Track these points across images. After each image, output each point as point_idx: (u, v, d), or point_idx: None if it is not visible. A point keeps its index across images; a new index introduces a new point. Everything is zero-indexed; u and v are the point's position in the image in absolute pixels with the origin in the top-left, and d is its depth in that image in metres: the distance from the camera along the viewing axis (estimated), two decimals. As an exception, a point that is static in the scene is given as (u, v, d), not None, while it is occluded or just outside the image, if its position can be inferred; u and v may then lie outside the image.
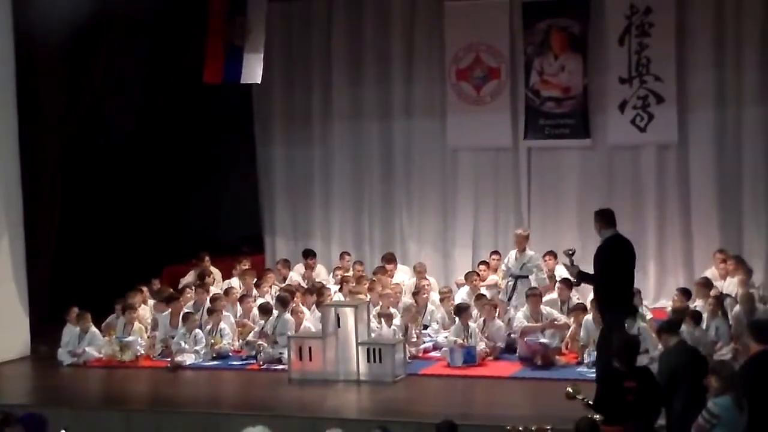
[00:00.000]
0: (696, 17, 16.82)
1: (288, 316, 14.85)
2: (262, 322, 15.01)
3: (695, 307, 14.25)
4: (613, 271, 11.48)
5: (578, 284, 12.60)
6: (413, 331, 14.69)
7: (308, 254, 17.78)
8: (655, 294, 17.00)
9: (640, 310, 14.14)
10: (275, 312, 14.96)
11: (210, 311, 15.35)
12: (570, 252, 12.06)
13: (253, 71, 17.15)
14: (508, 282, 15.70)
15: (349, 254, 17.77)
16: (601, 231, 11.73)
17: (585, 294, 16.18)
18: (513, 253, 15.72)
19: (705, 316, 13.73)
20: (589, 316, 14.26)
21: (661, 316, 14.35)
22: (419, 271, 16.76)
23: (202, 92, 18.29)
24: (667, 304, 15.85)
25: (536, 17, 17.40)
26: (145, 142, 19.63)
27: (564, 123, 17.44)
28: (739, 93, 16.72)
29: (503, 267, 15.95)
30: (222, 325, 15.16)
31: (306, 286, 16.64)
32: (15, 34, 15.59)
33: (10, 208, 15.57)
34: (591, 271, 11.80)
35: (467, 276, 16.16)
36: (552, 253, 16.12)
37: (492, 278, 16.25)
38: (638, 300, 14.52)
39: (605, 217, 11.77)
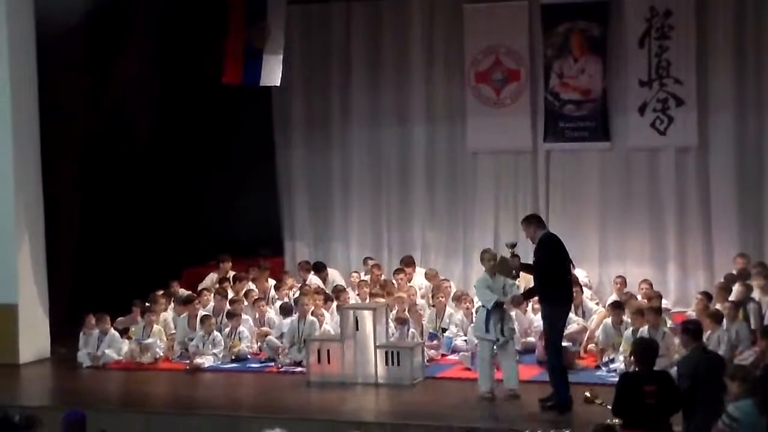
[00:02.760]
0: (716, 20, 16.74)
1: (312, 318, 14.91)
2: (285, 323, 15.04)
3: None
4: (553, 266, 12.16)
5: (517, 276, 12.72)
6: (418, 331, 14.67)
7: (319, 268, 17.72)
8: (676, 297, 16.91)
9: (664, 315, 14.14)
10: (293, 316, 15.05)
11: (229, 314, 15.37)
12: (512, 244, 12.70)
13: (273, 74, 17.18)
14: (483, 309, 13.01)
15: (372, 259, 17.72)
16: (536, 233, 12.34)
17: (603, 298, 16.20)
18: (485, 278, 13.01)
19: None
20: (608, 320, 14.23)
21: (680, 319, 14.30)
22: (431, 276, 16.74)
23: (221, 95, 18.32)
24: (687, 308, 15.78)
25: (556, 19, 17.36)
26: (165, 144, 19.67)
27: (584, 126, 17.38)
28: (759, 96, 16.64)
29: (484, 291, 12.98)
30: (241, 328, 15.19)
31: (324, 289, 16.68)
32: (36, 38, 15.65)
33: (31, 210, 15.65)
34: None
35: None
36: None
37: None
38: (659, 303, 14.53)
39: (537, 221, 12.61)
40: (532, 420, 11.79)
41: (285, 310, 15.42)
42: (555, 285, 12.18)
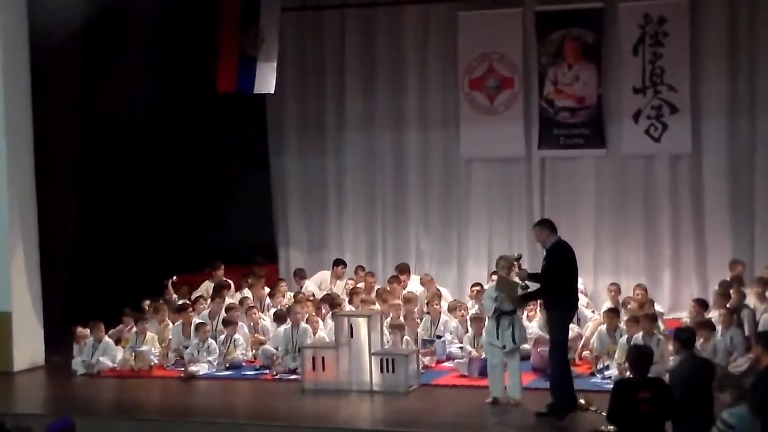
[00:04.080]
0: (710, 27, 16.78)
1: (305, 325, 14.91)
2: (279, 330, 15.04)
3: (710, 317, 14.20)
4: (563, 273, 12.14)
5: (526, 287, 12.69)
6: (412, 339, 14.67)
7: (339, 263, 17.71)
8: (670, 304, 16.93)
9: (659, 321, 14.19)
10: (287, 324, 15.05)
11: (227, 322, 15.34)
12: (517, 257, 12.77)
13: (266, 81, 17.19)
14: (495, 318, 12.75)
15: (363, 268, 17.69)
16: (548, 238, 12.30)
17: (598, 305, 16.20)
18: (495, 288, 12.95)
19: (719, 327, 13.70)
20: (603, 327, 14.24)
21: (675, 326, 14.31)
22: (426, 282, 16.74)
23: (215, 102, 18.33)
24: (682, 314, 15.80)
25: (550, 27, 17.38)
26: (159, 151, 19.67)
27: (578, 133, 17.41)
28: (752, 103, 16.69)
29: (487, 302, 12.90)
30: (236, 335, 15.18)
31: (323, 293, 16.71)
32: (30, 44, 15.65)
33: (25, 217, 15.63)
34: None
35: (472, 287, 16.20)
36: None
37: None
38: (653, 309, 14.56)
39: (549, 226, 12.46)
40: (531, 427, 11.78)
41: (279, 318, 15.40)
42: (562, 292, 12.16)
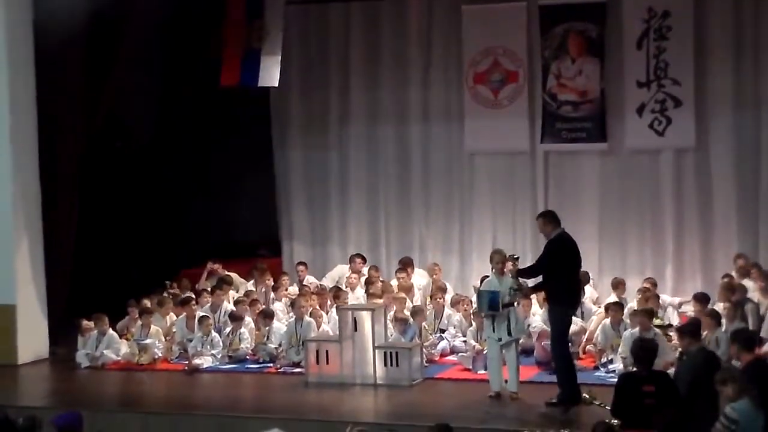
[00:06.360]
0: (714, 21, 16.76)
1: (309, 319, 14.91)
2: (276, 327, 15.06)
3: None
4: (561, 266, 12.14)
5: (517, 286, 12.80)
6: (428, 334, 14.68)
7: (357, 257, 17.58)
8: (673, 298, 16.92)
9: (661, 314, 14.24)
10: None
11: (233, 316, 15.31)
12: (514, 257, 12.78)
13: (271, 75, 17.19)
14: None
15: (364, 258, 17.66)
16: (552, 230, 12.31)
17: (602, 298, 16.18)
18: (492, 280, 12.92)
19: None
20: (607, 321, 14.24)
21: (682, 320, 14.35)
22: (435, 271, 16.73)
23: (219, 95, 18.33)
24: (685, 309, 15.79)
25: (553, 21, 17.36)
26: (163, 145, 19.68)
27: (581, 127, 17.38)
28: (757, 96, 16.66)
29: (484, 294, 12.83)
30: (242, 329, 15.19)
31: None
32: (34, 40, 15.66)
33: (29, 211, 15.66)
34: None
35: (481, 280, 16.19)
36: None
37: None
38: (655, 304, 14.58)
39: (553, 218, 12.47)
40: (532, 421, 11.78)
41: (267, 316, 15.30)
42: (561, 285, 12.18)
